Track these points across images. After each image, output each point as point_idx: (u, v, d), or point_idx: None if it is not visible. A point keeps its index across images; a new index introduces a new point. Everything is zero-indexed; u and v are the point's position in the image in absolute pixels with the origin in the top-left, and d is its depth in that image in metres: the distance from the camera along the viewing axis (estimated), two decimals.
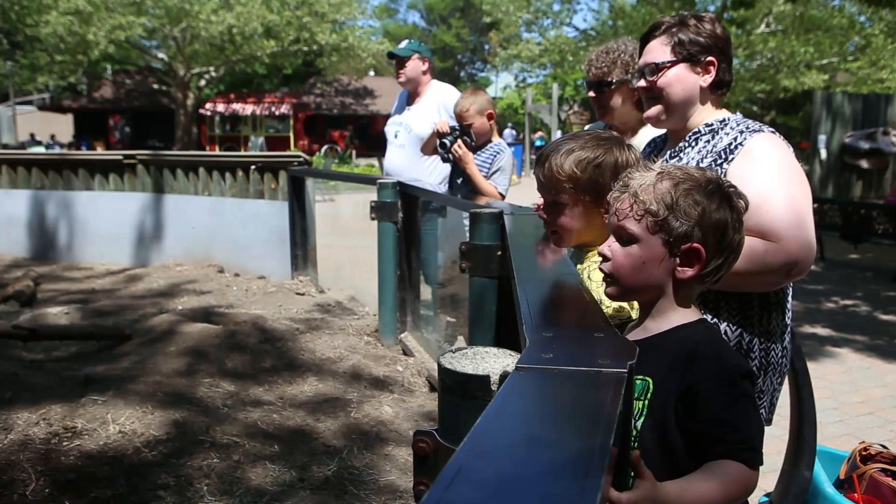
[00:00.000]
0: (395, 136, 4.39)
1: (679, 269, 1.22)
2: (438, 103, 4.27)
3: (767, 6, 20.18)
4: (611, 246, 1.27)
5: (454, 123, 4.00)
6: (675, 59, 1.75)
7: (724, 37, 1.75)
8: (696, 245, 1.20)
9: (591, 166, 1.52)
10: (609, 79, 2.53)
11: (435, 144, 3.80)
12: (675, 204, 1.20)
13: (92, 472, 2.50)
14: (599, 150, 1.54)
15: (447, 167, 4.29)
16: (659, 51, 1.77)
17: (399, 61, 4.34)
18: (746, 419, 1.15)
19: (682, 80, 1.75)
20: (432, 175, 4.31)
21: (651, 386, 1.21)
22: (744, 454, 1.12)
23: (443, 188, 4.25)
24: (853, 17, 21.38)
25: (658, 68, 1.76)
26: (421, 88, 4.37)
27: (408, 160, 4.33)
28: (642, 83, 1.80)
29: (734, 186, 1.27)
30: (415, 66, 4.31)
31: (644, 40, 1.85)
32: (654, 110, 1.80)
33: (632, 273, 1.24)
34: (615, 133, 1.65)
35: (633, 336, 1.28)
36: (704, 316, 1.28)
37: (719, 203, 1.22)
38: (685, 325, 1.25)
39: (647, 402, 1.21)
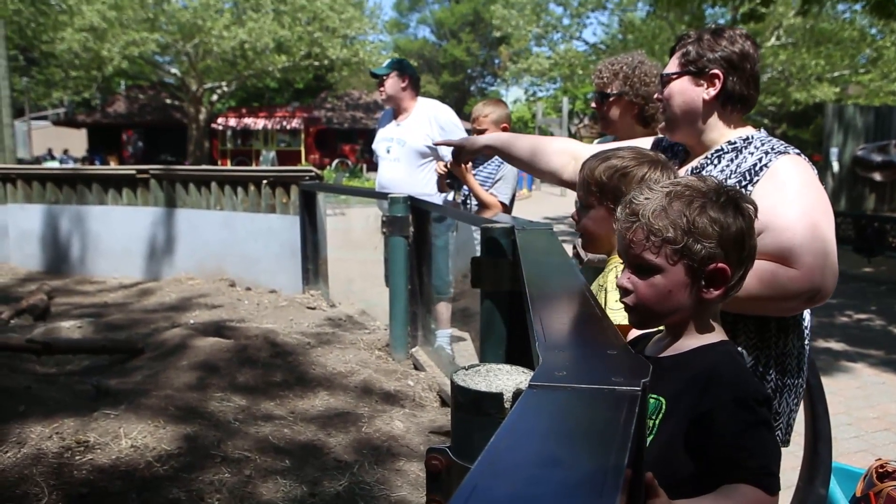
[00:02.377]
0: (388, 151, 4.51)
1: (705, 290, 1.19)
2: (430, 116, 4.44)
3: (777, 19, 20.20)
4: (630, 278, 1.23)
5: (446, 136, 4.22)
6: (678, 71, 1.77)
7: (740, 52, 1.73)
8: (721, 265, 1.17)
9: (617, 174, 1.57)
10: (608, 90, 2.55)
11: (444, 182, 3.91)
12: (693, 226, 1.16)
13: (104, 486, 2.51)
14: (632, 161, 1.57)
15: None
16: (671, 64, 1.81)
17: (379, 80, 4.53)
18: (763, 445, 1.12)
19: (682, 92, 1.76)
20: (428, 185, 4.41)
21: (664, 406, 1.19)
22: (761, 480, 1.09)
23: (439, 199, 4.33)
24: (864, 29, 21.36)
25: (663, 80, 1.80)
26: (405, 104, 4.54)
27: (404, 173, 4.44)
28: (657, 94, 1.87)
29: (739, 191, 1.24)
30: (393, 83, 4.48)
31: (671, 53, 1.88)
32: (663, 123, 1.86)
33: (658, 303, 1.21)
34: (660, 156, 1.65)
35: (655, 353, 1.27)
36: (726, 338, 1.26)
37: (734, 214, 1.18)
38: (707, 347, 1.22)
39: (657, 421, 1.19)
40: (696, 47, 1.75)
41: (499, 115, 3.77)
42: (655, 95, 1.87)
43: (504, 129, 3.81)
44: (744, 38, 1.76)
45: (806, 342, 1.75)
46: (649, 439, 1.19)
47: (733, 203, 1.19)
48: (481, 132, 3.76)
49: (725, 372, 1.18)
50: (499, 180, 3.79)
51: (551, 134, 26.15)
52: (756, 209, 1.23)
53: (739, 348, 1.64)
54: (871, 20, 17.91)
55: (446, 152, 4.34)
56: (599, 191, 1.58)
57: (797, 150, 1.69)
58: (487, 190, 3.80)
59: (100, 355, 4.17)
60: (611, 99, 2.55)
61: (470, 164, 3.75)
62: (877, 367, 4.94)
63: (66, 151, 30.37)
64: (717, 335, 1.24)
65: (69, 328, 4.82)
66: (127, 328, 4.87)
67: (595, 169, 1.58)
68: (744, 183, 1.65)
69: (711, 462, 1.12)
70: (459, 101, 47.17)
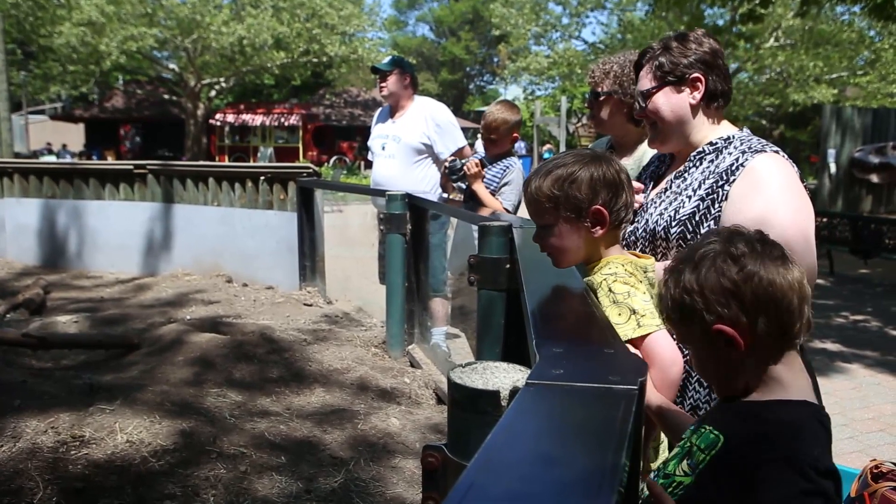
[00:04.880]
0: (383, 148, 4.49)
1: (734, 352, 1.15)
2: (426, 115, 4.43)
3: (776, 20, 20.21)
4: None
5: (442, 134, 4.27)
6: (656, 84, 1.79)
7: (710, 50, 1.77)
8: (717, 327, 1.13)
9: (566, 183, 1.53)
10: (599, 89, 2.56)
11: (449, 176, 3.86)
12: (680, 302, 1.18)
13: (99, 481, 2.50)
14: (575, 166, 1.55)
15: (437, 175, 4.38)
16: (645, 79, 1.83)
17: (381, 76, 4.48)
18: None
19: (668, 103, 1.78)
20: (422, 183, 4.41)
21: (720, 444, 1.14)
22: None
23: (435, 196, 4.32)
24: (862, 31, 21.39)
25: (644, 96, 1.81)
26: (403, 102, 4.53)
27: (399, 170, 4.43)
28: (640, 112, 1.87)
29: (713, 241, 1.20)
30: (396, 80, 4.47)
31: (636, 69, 1.89)
32: (653, 137, 1.85)
33: (702, 371, 1.27)
34: (598, 150, 1.66)
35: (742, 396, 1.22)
36: (810, 398, 1.18)
37: (706, 271, 1.15)
38: (781, 403, 1.15)
39: (708, 457, 1.14)
40: (667, 57, 1.78)
41: (511, 125, 3.73)
42: (639, 113, 1.86)
43: (514, 137, 3.79)
44: (707, 37, 1.80)
45: None
46: (695, 475, 1.15)
47: (707, 262, 1.16)
48: (493, 141, 3.74)
49: (790, 434, 1.11)
50: (505, 185, 3.76)
51: (549, 133, 26.18)
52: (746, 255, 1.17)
53: None
54: (869, 22, 17.94)
55: (442, 150, 4.33)
56: (554, 205, 1.55)
57: (775, 149, 1.70)
58: (494, 194, 3.77)
59: (96, 350, 4.16)
60: (601, 98, 2.56)
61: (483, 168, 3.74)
62: (872, 368, 4.95)
63: (64, 146, 30.30)
64: (796, 393, 1.16)
65: (65, 323, 4.81)
66: (123, 323, 4.86)
67: (542, 186, 1.55)
68: (721, 182, 1.67)
69: None
70: (458, 99, 47.17)
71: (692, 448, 1.19)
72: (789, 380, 1.16)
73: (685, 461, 1.19)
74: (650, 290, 1.52)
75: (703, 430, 1.19)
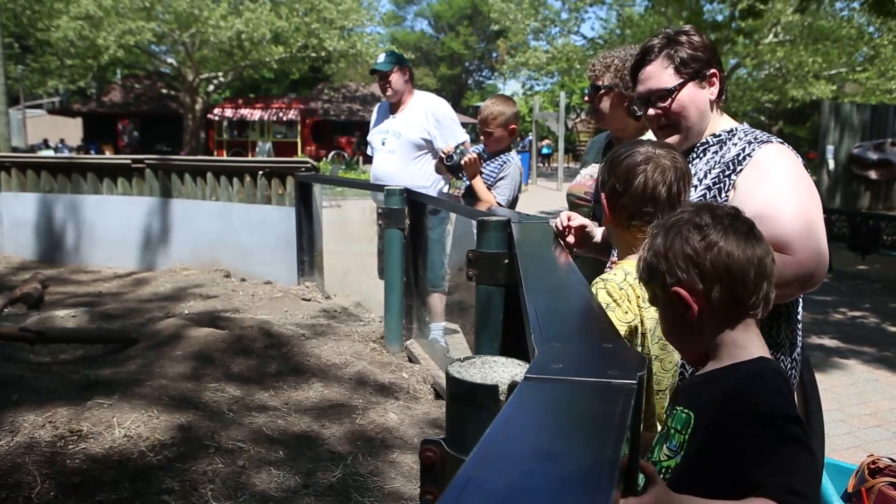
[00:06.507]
0: (383, 144, 4.47)
1: (692, 316, 1.22)
2: (426, 110, 4.41)
3: (776, 16, 20.18)
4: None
5: (441, 129, 4.27)
6: (682, 80, 1.73)
7: (712, 45, 1.78)
8: (674, 289, 1.21)
9: (604, 173, 1.61)
10: (599, 82, 2.56)
11: (445, 165, 3.83)
12: (646, 262, 1.27)
13: (97, 475, 2.50)
14: (623, 154, 1.59)
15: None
16: (663, 75, 1.74)
17: (382, 76, 4.43)
18: (790, 462, 1.07)
19: (694, 99, 1.74)
20: (422, 178, 4.39)
21: (692, 420, 1.19)
22: (782, 497, 1.02)
23: (434, 191, 4.30)
24: (862, 27, 21.37)
25: (669, 93, 1.73)
26: (404, 98, 4.51)
27: (399, 165, 4.41)
28: (651, 112, 1.77)
29: (686, 211, 1.27)
30: (399, 78, 4.45)
31: (638, 67, 1.81)
32: (674, 140, 1.76)
33: (670, 335, 1.33)
34: (664, 144, 1.64)
35: (700, 372, 1.28)
36: (766, 355, 1.22)
37: (673, 237, 1.22)
38: (737, 365, 1.20)
39: (687, 436, 1.19)
40: (684, 51, 1.72)
41: (507, 117, 3.71)
42: (650, 112, 1.78)
43: (512, 130, 3.77)
44: (697, 30, 1.80)
45: (798, 333, 1.75)
46: (681, 454, 1.19)
47: (669, 226, 1.25)
48: (489, 134, 3.73)
49: (748, 389, 1.15)
50: (501, 179, 3.75)
51: (548, 128, 26.17)
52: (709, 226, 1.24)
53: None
54: (868, 18, 17.93)
55: (443, 145, 4.32)
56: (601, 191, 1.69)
57: (780, 140, 1.71)
58: (489, 188, 3.76)
59: (94, 345, 4.15)
60: (601, 91, 2.56)
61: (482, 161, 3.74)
62: (870, 364, 4.96)
63: (62, 140, 30.24)
64: (754, 352, 1.21)
65: (63, 317, 4.81)
66: (121, 318, 4.86)
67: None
68: (727, 172, 1.67)
69: (739, 482, 1.08)
70: (457, 94, 47.12)
71: (669, 431, 1.24)
72: (744, 342, 1.21)
73: (665, 445, 1.24)
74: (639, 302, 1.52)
75: (675, 411, 1.25)
